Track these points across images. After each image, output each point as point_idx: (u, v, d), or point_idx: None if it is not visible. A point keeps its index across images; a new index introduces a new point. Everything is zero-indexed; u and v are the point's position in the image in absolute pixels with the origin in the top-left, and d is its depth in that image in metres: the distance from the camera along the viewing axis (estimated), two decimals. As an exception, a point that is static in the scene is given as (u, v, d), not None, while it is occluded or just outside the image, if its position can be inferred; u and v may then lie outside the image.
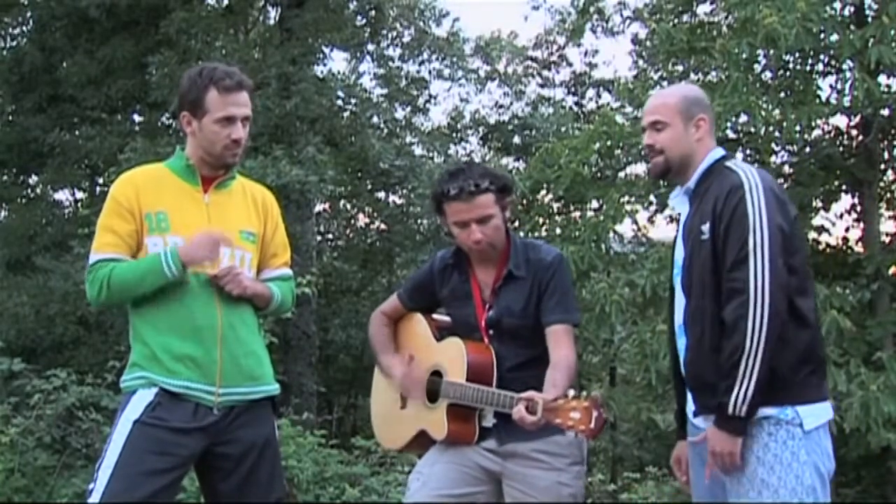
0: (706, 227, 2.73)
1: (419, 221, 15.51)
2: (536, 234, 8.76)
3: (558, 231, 8.80)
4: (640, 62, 13.45)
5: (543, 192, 9.07)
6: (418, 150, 16.37)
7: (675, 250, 2.95)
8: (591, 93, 18.83)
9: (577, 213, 9.45)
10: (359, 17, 14.92)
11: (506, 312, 3.11)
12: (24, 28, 15.08)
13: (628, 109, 9.57)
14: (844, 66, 7.84)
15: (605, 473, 11.40)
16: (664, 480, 8.51)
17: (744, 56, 7.40)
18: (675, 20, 9.30)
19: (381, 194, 16.18)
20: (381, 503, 6.23)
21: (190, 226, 2.96)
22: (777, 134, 7.85)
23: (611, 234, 8.57)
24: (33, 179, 16.04)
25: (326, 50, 14.73)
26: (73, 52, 13.66)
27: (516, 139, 17.84)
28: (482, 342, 3.13)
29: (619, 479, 9.35)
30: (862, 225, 8.69)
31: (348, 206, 16.92)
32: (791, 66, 8.25)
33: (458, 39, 16.81)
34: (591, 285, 7.82)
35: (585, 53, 18.66)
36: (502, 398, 2.92)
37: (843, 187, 8.84)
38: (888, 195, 9.07)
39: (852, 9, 7.90)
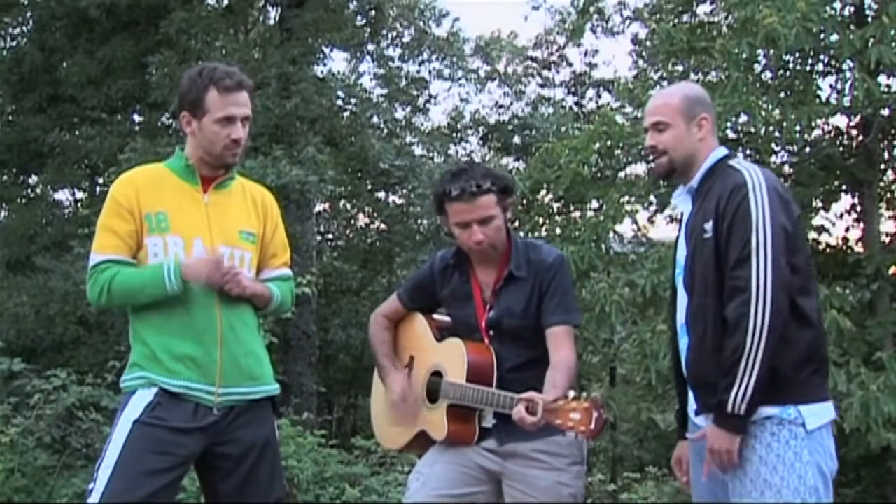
0: (709, 226, 2.73)
1: (419, 221, 15.50)
2: (536, 234, 8.75)
3: (558, 231, 8.79)
4: (640, 62, 13.46)
5: (543, 192, 9.05)
6: (418, 150, 16.38)
7: (677, 249, 2.95)
8: (591, 93, 18.86)
9: (577, 213, 9.43)
10: (359, 17, 14.92)
11: (506, 313, 3.11)
12: (24, 28, 15.07)
13: (628, 109, 9.57)
14: (844, 66, 7.83)
15: (605, 473, 11.38)
16: (664, 480, 8.49)
17: (744, 56, 7.39)
18: (675, 20, 9.29)
19: (381, 194, 16.17)
20: (381, 503, 6.23)
21: (190, 226, 2.96)
22: (777, 134, 7.84)
23: (611, 234, 8.56)
24: (33, 179, 16.04)
25: (326, 50, 14.74)
26: (73, 52, 13.65)
27: (516, 139, 17.83)
28: (482, 343, 3.13)
29: (619, 479, 9.33)
30: (862, 225, 8.68)
31: (348, 206, 16.91)
32: (791, 66, 8.24)
33: (458, 39, 16.80)
34: (591, 285, 7.81)
35: (585, 53, 18.71)
36: (502, 399, 2.91)
37: (843, 187, 8.83)
38: (888, 195, 9.05)
39: (852, 9, 7.89)
